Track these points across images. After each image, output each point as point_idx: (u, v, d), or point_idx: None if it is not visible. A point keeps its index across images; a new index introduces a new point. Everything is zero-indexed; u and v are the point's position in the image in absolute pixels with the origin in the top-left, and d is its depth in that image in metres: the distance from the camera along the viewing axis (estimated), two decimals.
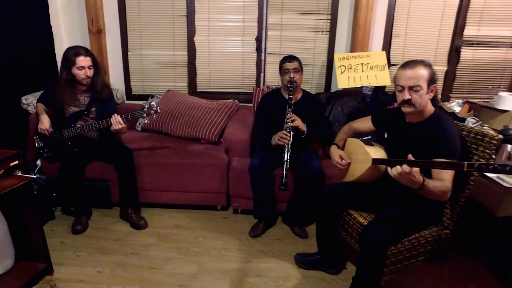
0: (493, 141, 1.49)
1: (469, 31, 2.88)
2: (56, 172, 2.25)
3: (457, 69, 2.99)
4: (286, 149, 2.06)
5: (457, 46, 2.93)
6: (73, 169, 2.23)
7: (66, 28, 3.04)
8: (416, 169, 1.30)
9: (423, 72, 1.46)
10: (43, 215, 2.33)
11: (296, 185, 2.19)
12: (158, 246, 2.16)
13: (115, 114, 2.14)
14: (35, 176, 1.70)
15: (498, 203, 2.03)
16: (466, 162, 1.17)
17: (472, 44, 2.92)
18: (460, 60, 2.96)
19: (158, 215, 2.49)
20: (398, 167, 1.30)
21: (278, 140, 2.12)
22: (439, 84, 3.05)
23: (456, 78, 3.02)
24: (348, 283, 1.72)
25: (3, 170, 1.57)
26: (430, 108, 1.55)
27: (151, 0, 2.97)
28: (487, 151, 1.51)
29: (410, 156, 1.32)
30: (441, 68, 3.00)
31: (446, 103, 2.79)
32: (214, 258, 2.06)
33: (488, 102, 2.74)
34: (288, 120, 2.13)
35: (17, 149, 1.68)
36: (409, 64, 1.49)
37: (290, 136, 2.09)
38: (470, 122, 2.44)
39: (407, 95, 1.47)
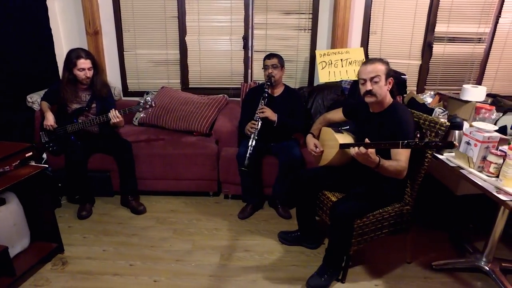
0: (442, 127, 1.74)
1: (440, 28, 3.11)
2: (61, 164, 2.46)
3: (430, 63, 3.23)
4: (252, 136, 2.29)
5: (429, 42, 3.16)
6: (77, 161, 2.44)
7: (64, 30, 3.22)
8: (371, 150, 1.54)
9: (381, 66, 1.71)
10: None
11: (279, 170, 2.43)
12: (156, 228, 2.40)
13: (113, 109, 2.36)
14: (47, 166, 1.91)
15: (456, 183, 2.30)
16: (400, 141, 1.43)
17: (443, 39, 3.16)
18: (433, 55, 3.19)
19: (156, 201, 2.72)
20: (356, 148, 1.55)
21: (248, 129, 2.36)
22: (414, 77, 3.29)
23: (429, 71, 3.26)
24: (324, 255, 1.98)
25: (19, 161, 1.79)
26: (389, 100, 1.79)
27: (144, 2, 3.15)
28: (438, 137, 1.76)
29: (366, 139, 1.56)
30: (415, 62, 3.24)
31: (419, 94, 3.04)
32: (207, 237, 2.30)
33: (458, 93, 2.99)
34: (258, 111, 2.36)
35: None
36: (369, 61, 1.74)
37: (257, 125, 2.32)
38: (438, 111, 2.68)
39: (369, 86, 1.71)
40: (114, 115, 2.34)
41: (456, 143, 1.30)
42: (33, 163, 1.85)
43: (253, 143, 2.26)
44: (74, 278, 1.92)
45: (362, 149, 1.53)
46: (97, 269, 1.99)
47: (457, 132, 1.85)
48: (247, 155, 2.22)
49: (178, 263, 2.05)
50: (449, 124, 1.74)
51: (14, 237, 1.89)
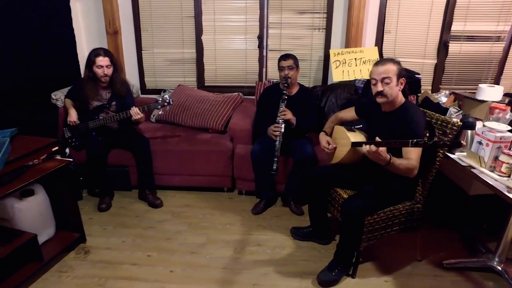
0: (454, 127, 1.76)
1: (457, 27, 3.08)
2: (83, 159, 2.57)
3: (445, 62, 3.20)
4: (278, 140, 2.34)
5: (445, 41, 3.14)
6: (97, 156, 2.55)
7: (86, 30, 3.35)
8: (382, 149, 1.58)
9: (392, 67, 1.73)
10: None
11: (292, 167, 2.48)
12: (172, 221, 2.49)
13: (134, 106, 2.46)
14: (71, 159, 2.02)
15: (469, 182, 2.30)
16: (410, 140, 1.45)
17: (460, 38, 3.13)
18: (448, 54, 3.16)
19: (171, 196, 2.81)
20: (367, 146, 1.59)
21: (272, 132, 2.40)
22: (429, 76, 3.27)
23: (445, 71, 3.24)
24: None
25: (46, 155, 1.90)
26: (401, 99, 1.82)
27: (162, 3, 3.24)
28: (450, 136, 1.77)
29: (377, 138, 1.59)
30: (430, 62, 3.22)
31: (434, 94, 3.02)
32: (220, 231, 2.37)
33: (474, 93, 2.96)
34: (280, 114, 2.41)
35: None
36: (380, 61, 1.76)
37: (281, 128, 2.37)
38: (452, 111, 2.67)
39: (379, 87, 1.74)
40: (136, 112, 2.43)
41: (463, 142, 1.32)
42: (58, 157, 1.96)
43: (279, 146, 2.31)
44: (95, 267, 2.03)
45: (373, 147, 1.56)
46: (116, 259, 2.09)
47: (469, 132, 1.85)
48: (275, 158, 2.27)
49: (193, 255, 2.13)
50: (461, 123, 1.75)
51: (41, 226, 2.01)
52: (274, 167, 2.26)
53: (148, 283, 1.91)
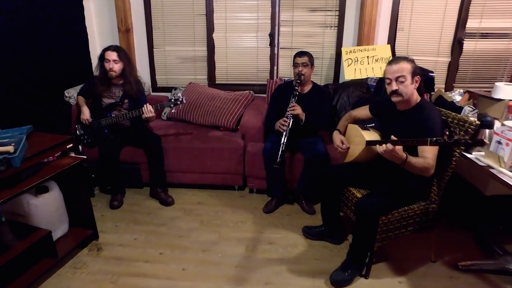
0: (472, 126, 1.72)
1: (472, 24, 3.02)
2: (95, 156, 2.59)
3: (460, 60, 3.15)
4: (284, 133, 2.33)
5: (459, 38, 3.08)
6: (110, 154, 2.56)
7: (98, 28, 3.38)
8: (398, 147, 1.55)
9: (406, 65, 1.70)
10: None
11: (304, 166, 2.46)
12: (184, 219, 2.49)
13: (147, 104, 2.46)
14: (85, 156, 2.04)
15: (485, 183, 2.26)
16: (428, 139, 1.43)
17: (475, 36, 3.07)
18: (463, 52, 3.11)
19: (183, 193, 2.82)
20: (384, 145, 1.56)
21: (279, 126, 2.39)
22: (443, 75, 3.22)
23: (459, 69, 3.19)
24: (347, 250, 2.00)
25: (60, 152, 1.92)
26: (417, 98, 1.79)
27: (173, 1, 3.25)
28: (467, 136, 1.74)
29: (392, 137, 1.57)
30: (444, 59, 3.17)
31: (447, 92, 2.98)
32: (232, 229, 2.37)
33: (490, 91, 2.90)
34: (289, 109, 2.39)
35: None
36: (394, 60, 1.74)
37: (288, 123, 2.35)
38: (467, 110, 2.63)
39: (394, 86, 1.72)
40: (148, 110, 2.44)
41: (486, 140, 1.29)
42: (72, 154, 1.98)
43: (285, 141, 2.30)
44: (108, 263, 2.04)
45: (390, 146, 1.54)
46: (129, 256, 2.11)
47: (487, 131, 1.82)
48: (280, 152, 2.26)
49: (205, 253, 2.14)
50: (479, 123, 1.72)
51: (56, 222, 2.03)
52: (278, 161, 2.24)
53: (161, 281, 1.91)
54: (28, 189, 1.68)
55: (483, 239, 2.20)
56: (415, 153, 1.70)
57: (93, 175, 2.81)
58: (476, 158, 1.76)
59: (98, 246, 2.18)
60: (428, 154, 1.66)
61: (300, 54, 2.51)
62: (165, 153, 2.70)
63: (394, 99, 1.75)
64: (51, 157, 1.88)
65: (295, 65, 2.52)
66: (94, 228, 2.20)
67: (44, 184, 1.96)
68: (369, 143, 1.81)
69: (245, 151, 2.69)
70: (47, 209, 1.96)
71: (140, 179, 2.84)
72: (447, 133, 1.38)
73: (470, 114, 2.48)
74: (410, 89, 1.72)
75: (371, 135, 1.90)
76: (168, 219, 2.48)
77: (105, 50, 2.52)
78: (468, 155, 1.80)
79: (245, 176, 2.77)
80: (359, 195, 1.97)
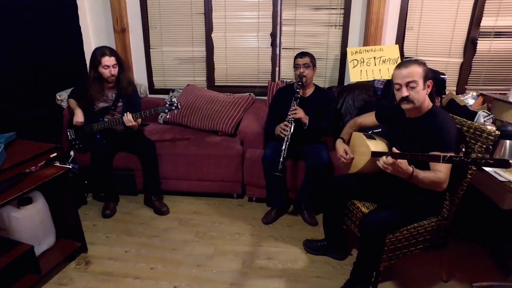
0: (490, 137, 1.56)
1: (487, 22, 2.84)
2: (88, 162, 2.48)
3: (473, 61, 2.97)
4: (286, 139, 2.18)
5: (473, 38, 2.90)
6: (102, 160, 2.44)
7: (93, 28, 3.26)
8: (401, 161, 1.40)
9: (418, 69, 1.54)
10: (77, 200, 2.59)
11: (306, 174, 2.32)
12: (178, 229, 2.37)
13: (126, 113, 2.32)
14: (70, 166, 1.92)
15: (502, 196, 2.09)
16: (442, 155, 1.27)
17: (490, 35, 2.89)
18: (477, 52, 2.93)
19: (179, 202, 2.69)
20: (384, 158, 1.41)
21: (280, 131, 2.25)
22: (454, 77, 3.05)
23: (472, 70, 3.01)
24: (351, 267, 1.85)
25: (44, 161, 1.80)
26: (428, 104, 1.63)
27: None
28: (484, 146, 1.58)
29: (394, 149, 1.42)
30: (456, 60, 3.00)
31: (459, 95, 2.80)
32: (229, 242, 2.24)
33: (505, 94, 2.72)
34: (291, 112, 2.25)
35: (53, 141, 1.90)
36: (404, 63, 1.58)
37: (290, 127, 2.21)
38: (482, 115, 2.45)
39: (405, 92, 1.56)
40: (127, 119, 2.31)
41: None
42: (57, 164, 1.85)
43: (286, 147, 2.16)
44: (96, 279, 1.92)
45: (389, 159, 1.39)
46: (118, 271, 1.98)
47: (508, 142, 1.65)
48: (281, 159, 2.12)
49: (199, 268, 2.01)
50: (498, 133, 1.55)
51: (40, 235, 1.92)
52: (279, 168, 2.11)
53: None
54: (8, 202, 1.56)
55: (500, 256, 2.04)
56: (426, 164, 1.55)
57: (86, 182, 2.71)
58: (495, 172, 1.60)
59: (87, 260, 2.06)
60: (440, 167, 1.50)
61: (301, 54, 2.37)
62: (160, 159, 2.58)
63: (405, 106, 1.60)
64: (33, 167, 1.76)
65: (296, 66, 2.37)
66: (83, 240, 2.08)
67: (27, 195, 1.84)
68: (375, 154, 1.66)
69: (244, 158, 2.55)
70: (30, 221, 1.85)
71: (134, 186, 2.72)
72: (463, 149, 1.23)
73: (485, 120, 2.31)
74: (422, 95, 1.56)
75: (377, 145, 1.75)
76: (162, 230, 2.36)
77: (101, 55, 2.36)
78: (486, 169, 1.64)
79: (244, 184, 2.63)
80: (364, 209, 1.82)
